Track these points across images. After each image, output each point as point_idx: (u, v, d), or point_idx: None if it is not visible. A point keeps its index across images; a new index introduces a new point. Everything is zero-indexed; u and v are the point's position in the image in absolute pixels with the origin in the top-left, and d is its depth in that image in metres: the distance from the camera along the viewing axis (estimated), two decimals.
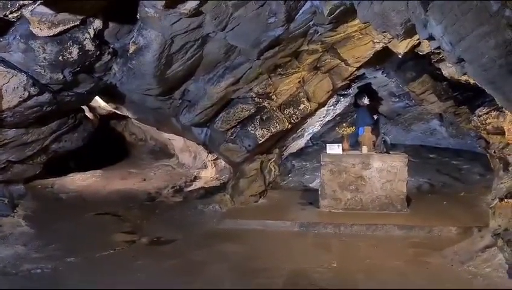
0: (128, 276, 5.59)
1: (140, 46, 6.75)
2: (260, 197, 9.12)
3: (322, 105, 9.63)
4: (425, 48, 7.63)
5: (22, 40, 6.03)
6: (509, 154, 6.71)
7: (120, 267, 5.88)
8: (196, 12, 6.17)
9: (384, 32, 6.18)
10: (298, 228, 7.58)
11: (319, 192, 8.54)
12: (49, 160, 9.00)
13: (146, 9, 6.09)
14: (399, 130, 12.79)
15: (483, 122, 7.18)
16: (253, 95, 8.53)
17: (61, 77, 6.64)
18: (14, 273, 5.63)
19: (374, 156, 8.36)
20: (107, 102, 9.50)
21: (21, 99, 6.65)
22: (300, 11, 6.81)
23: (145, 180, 11.20)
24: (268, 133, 8.68)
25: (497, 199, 5.91)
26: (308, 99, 9.02)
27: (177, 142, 12.36)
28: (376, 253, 6.44)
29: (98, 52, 6.63)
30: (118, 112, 10.30)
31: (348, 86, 10.33)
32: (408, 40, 7.20)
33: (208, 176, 11.51)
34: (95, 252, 6.38)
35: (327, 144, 8.82)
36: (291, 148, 11.25)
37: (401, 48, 7.75)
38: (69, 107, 7.91)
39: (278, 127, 8.75)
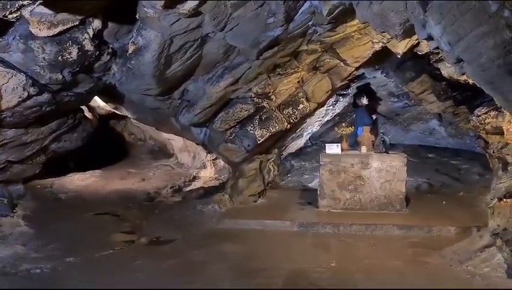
0: (127, 276, 5.59)
1: (139, 46, 6.75)
2: (259, 197, 9.12)
3: (321, 105, 9.64)
4: (424, 47, 7.64)
5: (21, 41, 6.04)
6: (508, 154, 6.72)
7: (119, 267, 5.88)
8: (195, 13, 6.18)
9: (383, 32, 6.18)
10: (297, 227, 7.58)
11: (318, 192, 8.54)
12: (48, 160, 9.00)
13: (145, 9, 6.09)
14: (398, 130, 12.79)
15: (482, 122, 7.19)
16: (253, 95, 8.54)
17: (61, 77, 6.64)
18: (13, 273, 5.63)
19: (373, 156, 8.36)
20: (106, 102, 9.51)
21: (20, 100, 6.65)
22: (300, 11, 6.82)
23: (144, 180, 11.20)
24: (268, 133, 8.69)
25: (496, 199, 5.92)
26: (307, 99, 9.02)
27: (176, 142, 12.36)
28: (375, 253, 6.44)
29: (97, 52, 6.63)
30: (117, 112, 10.30)
31: (347, 86, 10.34)
32: (407, 40, 7.23)
33: (207, 175, 11.51)
34: (94, 252, 6.37)
35: (326, 144, 8.80)
36: (290, 148, 11.25)
37: (400, 48, 7.76)
38: (69, 107, 7.91)
39: (277, 127, 8.76)
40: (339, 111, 11.62)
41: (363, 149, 8.61)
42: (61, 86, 6.93)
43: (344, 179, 8.34)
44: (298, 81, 8.81)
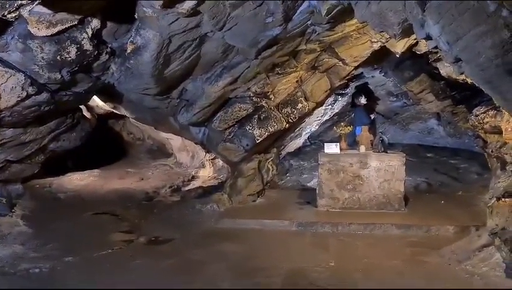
0: (126, 275, 5.60)
1: (138, 46, 6.75)
2: (258, 196, 9.12)
3: (319, 104, 9.64)
4: (423, 47, 7.66)
5: (20, 40, 6.03)
6: (506, 154, 6.74)
7: (118, 266, 5.88)
8: (194, 12, 6.18)
9: (382, 31, 6.19)
10: (296, 227, 7.59)
11: (317, 191, 8.55)
12: (47, 159, 8.98)
13: (144, 9, 6.10)
14: (397, 129, 12.80)
15: (481, 121, 7.20)
16: (251, 95, 8.54)
17: (59, 76, 6.63)
18: (12, 272, 5.63)
19: (371, 156, 8.37)
20: (105, 101, 9.49)
21: (19, 99, 6.64)
22: (298, 11, 6.82)
23: (142, 179, 11.19)
24: (266, 133, 8.69)
25: (495, 198, 5.94)
26: (306, 99, 9.03)
27: (175, 141, 12.36)
28: (374, 252, 6.45)
29: (96, 51, 6.62)
30: (116, 112, 10.29)
31: (346, 86, 10.33)
32: (406, 39, 7.24)
33: (206, 175, 11.50)
34: (93, 251, 6.37)
35: (325, 143, 8.80)
36: (289, 148, 11.26)
37: (398, 47, 7.78)
38: (67, 107, 7.91)
39: (276, 126, 8.76)
40: (337, 110, 11.62)
41: (362, 149, 8.61)
42: (59, 85, 6.93)
43: (343, 178, 8.34)
44: (297, 81, 8.82)
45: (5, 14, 5.29)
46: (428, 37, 4.81)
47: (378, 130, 10.86)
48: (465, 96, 9.16)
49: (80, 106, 9.00)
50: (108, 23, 6.47)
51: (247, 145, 8.68)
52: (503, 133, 6.63)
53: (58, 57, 6.30)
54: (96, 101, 9.90)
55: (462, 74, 5.10)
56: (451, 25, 4.22)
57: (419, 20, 4.61)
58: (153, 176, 11.61)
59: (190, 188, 10.48)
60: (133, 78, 7.41)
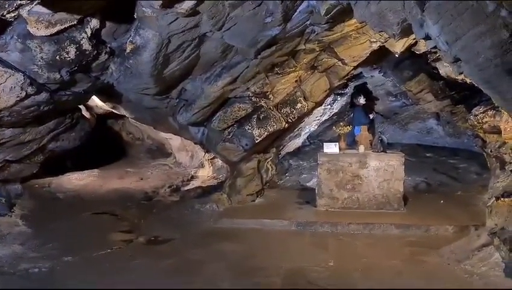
0: (125, 275, 5.60)
1: (137, 46, 6.74)
2: (257, 196, 9.13)
3: (319, 104, 9.65)
4: (422, 47, 7.66)
5: (19, 40, 6.01)
6: (505, 153, 6.74)
7: (117, 266, 5.89)
8: (193, 12, 6.17)
9: (381, 31, 6.19)
10: (295, 227, 7.60)
11: (316, 191, 8.56)
12: (46, 159, 8.97)
13: (143, 8, 6.09)
14: (396, 129, 12.82)
15: (480, 121, 7.20)
16: (250, 94, 8.53)
17: (59, 76, 6.62)
18: (11, 272, 5.64)
19: (370, 155, 8.38)
20: (104, 101, 9.49)
21: (18, 99, 6.63)
22: (297, 11, 6.82)
23: (142, 179, 11.19)
24: (265, 133, 8.69)
25: (494, 198, 5.95)
26: (305, 99, 9.03)
27: (174, 141, 12.36)
28: (373, 252, 6.46)
29: (95, 51, 6.61)
30: (115, 112, 10.28)
31: (345, 85, 10.35)
32: (405, 39, 7.24)
33: (205, 175, 11.50)
34: (93, 251, 6.38)
35: (324, 143, 8.81)
36: (288, 148, 11.27)
37: (397, 47, 7.78)
38: (66, 107, 7.90)
39: (275, 126, 8.76)
40: (336, 110, 11.64)
41: (361, 148, 8.62)
42: (59, 85, 6.92)
43: (342, 178, 8.35)
44: (296, 81, 8.81)
45: (4, 14, 5.29)
46: (427, 37, 4.81)
47: (378, 129, 10.91)
48: (464, 96, 9.17)
49: (79, 106, 8.99)
50: (108, 23, 6.46)
51: (246, 145, 8.68)
52: (502, 132, 6.64)
53: (57, 57, 6.29)
54: (95, 101, 9.89)
55: (461, 73, 5.10)
56: (451, 25, 4.23)
57: (418, 20, 4.62)
58: (152, 175, 11.61)
59: (189, 188, 10.49)
60: (132, 78, 7.41)
